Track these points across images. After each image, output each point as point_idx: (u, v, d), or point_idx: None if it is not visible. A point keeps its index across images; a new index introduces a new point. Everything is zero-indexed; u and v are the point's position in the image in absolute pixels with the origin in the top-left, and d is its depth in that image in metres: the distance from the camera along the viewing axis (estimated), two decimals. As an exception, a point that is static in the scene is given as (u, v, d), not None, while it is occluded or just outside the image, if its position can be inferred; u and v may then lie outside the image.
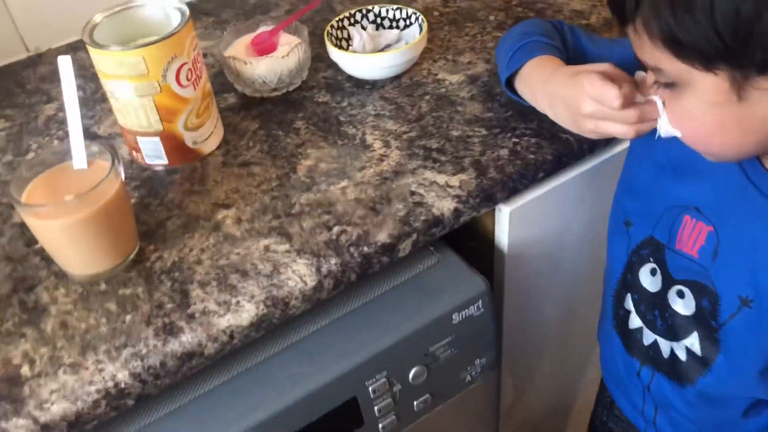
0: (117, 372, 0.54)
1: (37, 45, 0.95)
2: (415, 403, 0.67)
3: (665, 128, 0.53)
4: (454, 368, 0.69)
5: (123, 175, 0.61)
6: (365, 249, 0.61)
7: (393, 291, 0.66)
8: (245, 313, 0.57)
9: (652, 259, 0.62)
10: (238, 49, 0.81)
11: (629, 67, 0.55)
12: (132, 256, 0.62)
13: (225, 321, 0.57)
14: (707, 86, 0.46)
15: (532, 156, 0.69)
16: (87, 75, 0.87)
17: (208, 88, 0.72)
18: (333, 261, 0.60)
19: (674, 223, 0.58)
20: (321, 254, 0.61)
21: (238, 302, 0.58)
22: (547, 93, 0.63)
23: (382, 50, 0.83)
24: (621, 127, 0.56)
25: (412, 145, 0.72)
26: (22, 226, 0.66)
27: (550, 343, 0.92)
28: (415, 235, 0.63)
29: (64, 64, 0.58)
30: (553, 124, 0.65)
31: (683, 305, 0.60)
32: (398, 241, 0.63)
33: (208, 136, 0.73)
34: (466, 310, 0.66)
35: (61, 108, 0.82)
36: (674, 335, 0.62)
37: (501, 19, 0.90)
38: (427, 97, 0.78)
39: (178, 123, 0.69)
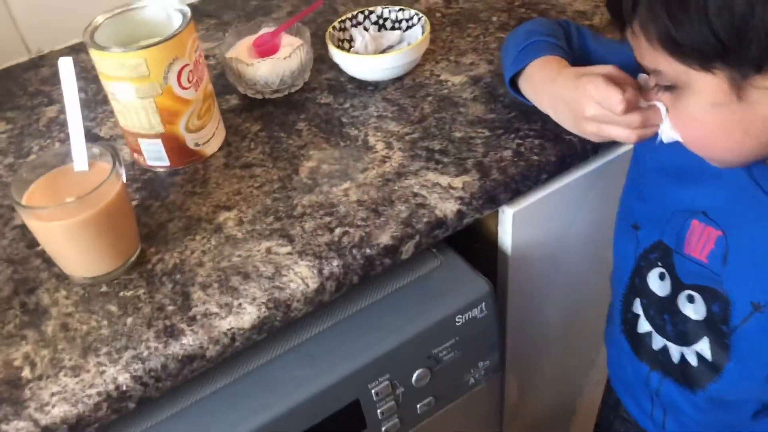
0: (118, 375, 0.54)
1: (38, 47, 0.95)
2: (418, 405, 0.67)
3: (667, 133, 0.53)
4: (458, 371, 0.68)
5: (124, 177, 0.61)
6: (367, 251, 0.61)
7: (395, 293, 0.66)
8: (247, 315, 0.57)
9: (660, 264, 0.62)
10: (239, 50, 0.81)
11: (634, 69, 0.55)
12: (133, 258, 0.62)
13: (226, 323, 0.56)
14: (706, 87, 0.46)
15: (535, 157, 0.68)
16: (89, 77, 0.87)
17: (210, 89, 0.72)
18: (335, 263, 0.60)
19: (682, 227, 0.58)
20: (323, 256, 0.61)
21: (239, 304, 0.58)
22: (550, 94, 0.63)
23: (384, 51, 0.82)
24: (623, 131, 0.55)
25: (415, 147, 0.71)
26: (24, 228, 0.66)
27: (554, 345, 0.92)
28: (417, 237, 0.63)
29: (65, 66, 0.58)
30: (557, 125, 0.65)
31: (693, 310, 0.59)
32: (401, 243, 0.62)
33: (209, 138, 0.72)
34: (470, 313, 0.65)
35: (62, 110, 0.82)
36: (685, 340, 0.61)
37: (504, 20, 0.90)
38: (430, 98, 0.78)
39: (180, 125, 0.69)
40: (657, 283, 0.62)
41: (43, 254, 0.63)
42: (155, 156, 0.71)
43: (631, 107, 0.53)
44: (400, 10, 0.84)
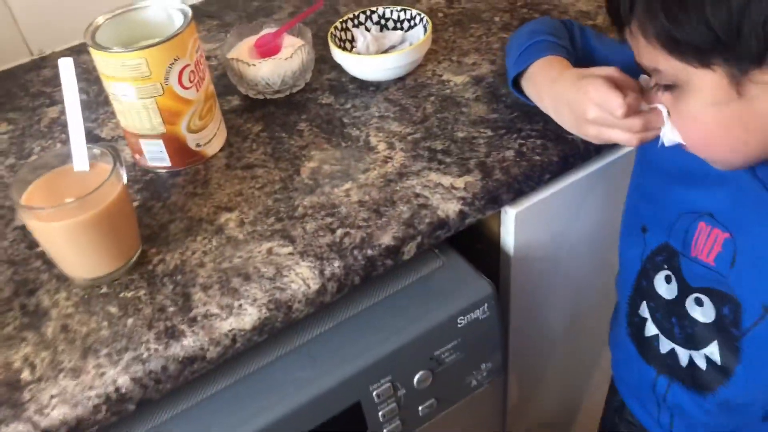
0: (118, 376, 0.53)
1: (40, 48, 0.95)
2: (420, 408, 0.67)
3: (669, 136, 0.53)
4: (460, 372, 0.68)
5: (125, 178, 0.60)
6: (369, 252, 0.61)
7: (397, 294, 0.66)
8: (248, 316, 0.57)
9: (666, 266, 0.61)
10: (241, 51, 0.81)
11: (637, 69, 0.55)
12: (134, 259, 0.62)
13: (227, 324, 0.56)
14: (706, 84, 0.46)
15: (538, 157, 0.68)
16: (91, 78, 0.87)
17: (211, 90, 0.72)
18: (336, 264, 0.60)
19: (688, 230, 0.58)
20: (324, 257, 0.60)
21: (240, 305, 0.57)
22: (551, 95, 0.63)
23: (386, 51, 0.82)
24: (624, 134, 0.55)
25: (417, 147, 0.71)
26: (24, 229, 0.66)
27: (557, 347, 0.91)
28: (419, 238, 0.63)
29: (65, 66, 0.58)
30: (560, 125, 0.64)
31: (702, 313, 0.59)
32: (402, 244, 0.62)
33: (211, 139, 0.72)
34: (472, 314, 0.65)
35: (64, 111, 0.81)
36: (693, 343, 0.61)
37: (506, 21, 0.90)
38: (432, 98, 0.78)
39: (181, 125, 0.69)
40: (663, 286, 0.62)
41: (44, 255, 0.63)
42: (156, 156, 0.71)
43: (632, 111, 0.53)
44: (402, 10, 0.84)
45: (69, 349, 0.56)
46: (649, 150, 0.59)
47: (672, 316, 0.62)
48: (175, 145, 0.70)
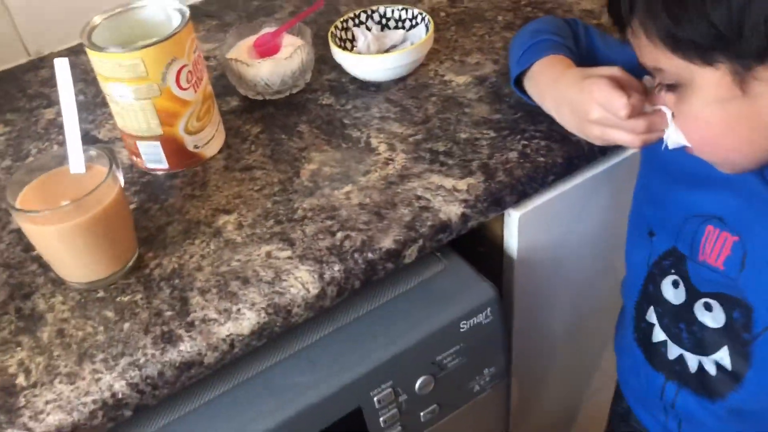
0: (114, 382, 0.53)
1: (38, 49, 0.94)
2: (421, 413, 0.66)
3: (673, 138, 0.53)
4: (462, 378, 0.67)
5: (122, 180, 0.60)
6: (370, 255, 0.60)
7: (399, 298, 0.65)
8: (246, 321, 0.56)
9: (673, 271, 0.60)
10: (240, 51, 0.80)
11: (640, 70, 0.54)
12: (131, 263, 0.61)
13: (225, 329, 0.55)
14: (709, 82, 0.46)
15: (541, 159, 0.67)
16: (89, 79, 0.86)
17: (209, 90, 0.71)
18: (336, 267, 0.59)
19: (696, 233, 0.57)
20: (324, 260, 0.59)
21: (238, 310, 0.56)
22: (554, 94, 0.62)
23: (387, 51, 0.81)
24: (627, 136, 0.55)
25: (418, 148, 0.70)
26: (20, 232, 0.65)
27: (560, 351, 0.91)
28: (421, 241, 0.62)
29: (61, 67, 0.57)
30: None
31: (711, 318, 0.58)
32: (404, 247, 0.61)
33: (209, 140, 0.71)
34: (475, 318, 0.64)
35: (61, 112, 0.81)
36: (702, 349, 0.60)
37: (509, 20, 0.89)
38: (434, 98, 0.77)
39: (179, 126, 0.68)
40: (671, 291, 0.61)
41: (40, 259, 0.62)
42: (154, 158, 0.70)
43: (635, 112, 0.53)
44: (403, 9, 0.83)
45: (65, 354, 0.55)
46: (655, 152, 0.58)
47: (680, 321, 0.61)
48: (173, 147, 0.69)
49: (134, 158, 0.71)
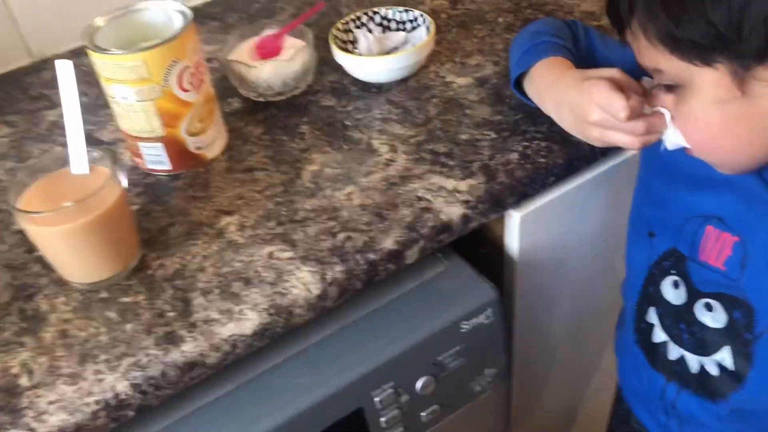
0: (117, 382, 0.53)
1: (41, 50, 0.94)
2: (422, 414, 0.66)
3: (672, 140, 0.53)
4: (463, 378, 0.67)
5: (124, 181, 0.60)
6: (371, 256, 0.60)
7: (400, 299, 0.65)
8: (248, 321, 0.56)
9: (674, 272, 0.60)
10: (242, 52, 0.80)
11: (639, 71, 0.54)
12: (133, 264, 0.61)
13: (227, 330, 0.55)
14: (709, 83, 0.46)
15: (542, 160, 0.67)
16: (91, 80, 0.85)
17: (211, 92, 0.71)
18: (338, 268, 0.59)
19: (696, 233, 0.57)
20: (326, 261, 0.60)
21: (241, 311, 0.57)
22: (553, 96, 0.62)
23: (388, 53, 0.81)
24: (627, 137, 0.55)
25: (420, 150, 0.70)
26: (23, 233, 0.65)
27: (561, 352, 0.91)
28: (422, 242, 0.62)
29: (64, 68, 0.57)
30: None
31: (712, 318, 0.58)
32: (405, 248, 0.61)
33: (211, 142, 0.71)
34: (476, 319, 0.64)
35: (63, 114, 0.81)
36: (703, 349, 0.60)
37: (510, 21, 0.89)
38: (435, 100, 0.77)
39: (181, 128, 0.68)
40: (671, 292, 0.61)
41: (42, 260, 0.62)
42: (156, 160, 0.70)
43: (635, 114, 0.52)
44: (404, 10, 0.83)
45: (67, 354, 0.55)
46: (654, 153, 0.58)
47: (680, 322, 0.61)
48: (175, 148, 0.69)
49: (136, 159, 0.72)
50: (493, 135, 0.71)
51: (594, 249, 0.80)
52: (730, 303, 0.56)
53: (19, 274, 0.62)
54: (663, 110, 0.52)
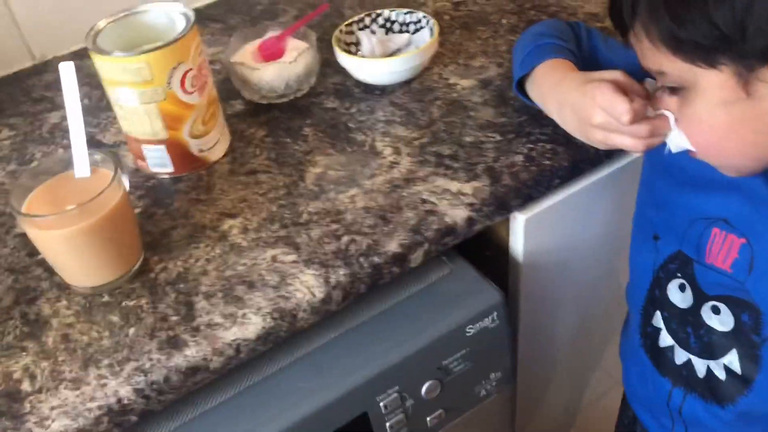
0: (119, 387, 0.52)
1: (43, 53, 0.94)
2: (428, 418, 0.65)
3: (675, 142, 0.52)
4: (468, 382, 0.67)
5: (127, 184, 0.60)
6: (375, 259, 0.60)
7: (404, 302, 0.65)
8: (252, 325, 0.55)
9: (680, 275, 0.60)
10: (244, 54, 0.80)
11: (643, 73, 0.54)
12: (136, 267, 0.61)
13: (231, 334, 0.55)
14: (713, 85, 0.46)
15: (547, 162, 0.67)
16: (93, 83, 0.86)
17: (214, 94, 0.71)
18: (342, 272, 0.59)
19: (702, 236, 0.56)
20: (329, 265, 0.59)
21: (244, 314, 0.56)
22: (556, 98, 0.62)
23: (391, 55, 0.81)
24: (630, 140, 0.54)
25: (424, 152, 0.70)
26: (25, 237, 0.65)
27: (566, 355, 0.90)
28: (426, 245, 0.62)
29: (66, 71, 0.57)
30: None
31: (719, 321, 0.58)
32: (409, 251, 0.61)
33: (214, 144, 0.71)
34: (481, 322, 0.64)
35: (66, 116, 0.81)
36: (711, 353, 0.59)
37: (513, 23, 0.89)
38: (439, 102, 0.76)
39: (184, 130, 0.68)
40: (678, 295, 0.61)
41: (45, 263, 0.62)
42: (159, 162, 0.70)
43: (638, 117, 0.52)
44: (407, 12, 0.83)
45: (70, 359, 0.55)
46: (658, 155, 0.58)
47: (687, 325, 0.60)
48: (178, 151, 0.69)
49: (139, 162, 0.71)
50: (498, 137, 0.70)
51: (599, 251, 0.80)
52: (737, 306, 0.56)
53: (21, 278, 0.62)
54: (667, 113, 0.52)
